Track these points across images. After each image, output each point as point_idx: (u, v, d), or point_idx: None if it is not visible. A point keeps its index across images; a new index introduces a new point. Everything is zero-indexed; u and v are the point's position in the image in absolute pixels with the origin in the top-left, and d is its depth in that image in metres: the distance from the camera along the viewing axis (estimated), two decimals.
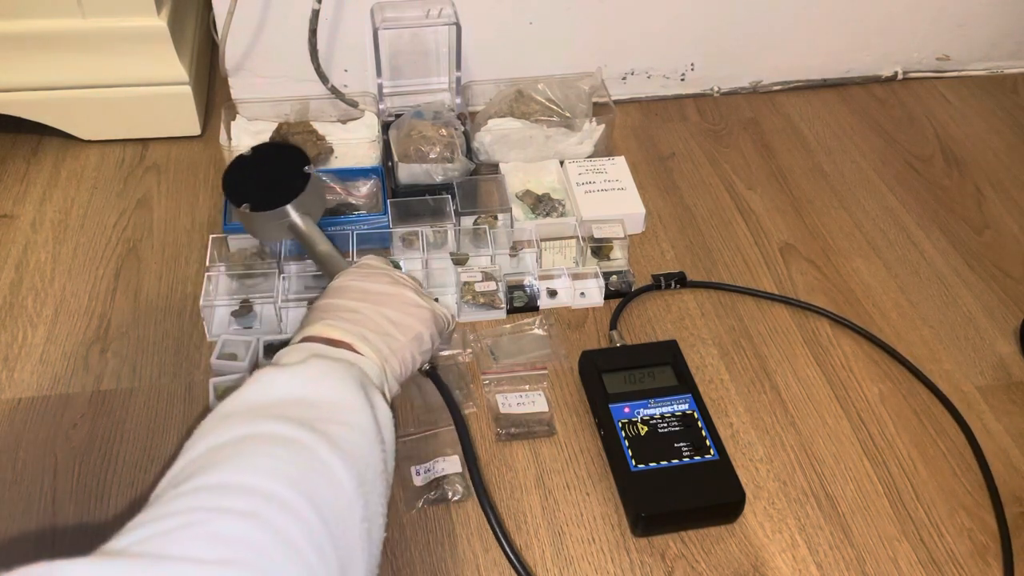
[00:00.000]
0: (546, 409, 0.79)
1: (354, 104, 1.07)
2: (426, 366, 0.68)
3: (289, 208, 0.77)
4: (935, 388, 0.83)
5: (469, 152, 1.00)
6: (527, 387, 0.81)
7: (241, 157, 0.82)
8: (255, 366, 0.81)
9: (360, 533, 0.47)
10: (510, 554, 0.65)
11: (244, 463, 0.46)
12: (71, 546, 0.68)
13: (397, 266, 0.89)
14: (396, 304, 0.65)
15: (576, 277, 0.91)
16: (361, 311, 0.63)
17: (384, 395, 0.59)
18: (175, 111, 1.07)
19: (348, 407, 0.53)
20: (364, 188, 0.99)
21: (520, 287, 0.89)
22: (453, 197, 0.94)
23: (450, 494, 0.72)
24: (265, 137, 1.02)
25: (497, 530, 0.65)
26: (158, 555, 0.38)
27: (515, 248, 0.93)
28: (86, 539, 0.69)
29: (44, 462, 0.74)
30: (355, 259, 0.87)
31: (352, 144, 1.04)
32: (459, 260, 0.91)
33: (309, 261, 0.91)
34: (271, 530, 0.41)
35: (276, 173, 0.79)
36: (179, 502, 0.42)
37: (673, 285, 0.92)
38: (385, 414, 0.56)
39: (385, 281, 0.66)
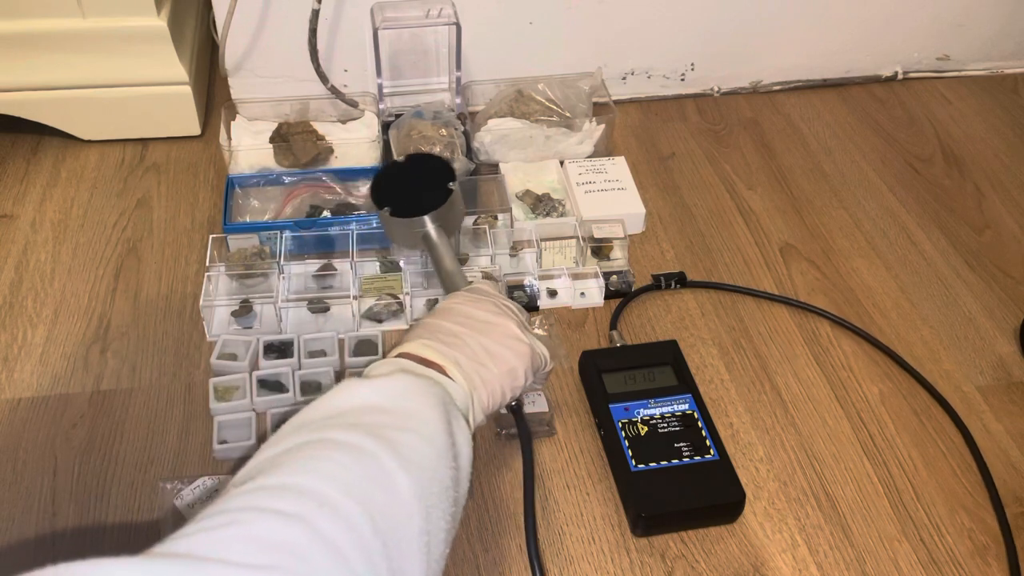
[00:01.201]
0: (546, 409, 0.79)
1: (354, 104, 1.07)
2: (513, 402, 0.67)
3: (426, 219, 0.78)
4: (933, 390, 0.83)
5: (469, 152, 1.00)
6: None
7: (394, 162, 0.84)
8: (255, 366, 0.81)
9: (418, 545, 0.46)
10: None
11: (303, 466, 0.46)
12: (71, 546, 0.68)
13: (398, 267, 0.90)
14: (497, 335, 0.64)
15: (576, 277, 0.91)
16: (460, 336, 0.62)
17: (467, 421, 0.58)
18: (175, 111, 1.07)
19: (422, 418, 0.52)
20: (364, 188, 0.99)
21: (520, 287, 0.89)
22: None
23: None
24: (265, 137, 1.02)
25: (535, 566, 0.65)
26: (199, 557, 0.38)
27: (515, 248, 0.93)
28: (86, 539, 0.69)
29: (44, 462, 0.74)
30: (354, 258, 0.88)
31: (352, 144, 1.04)
32: (459, 260, 0.91)
33: (309, 261, 0.91)
34: (317, 535, 0.41)
35: (422, 183, 0.81)
36: (234, 501, 0.43)
37: (673, 285, 0.92)
38: (464, 436, 0.56)
39: (491, 310, 0.65)
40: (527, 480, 0.67)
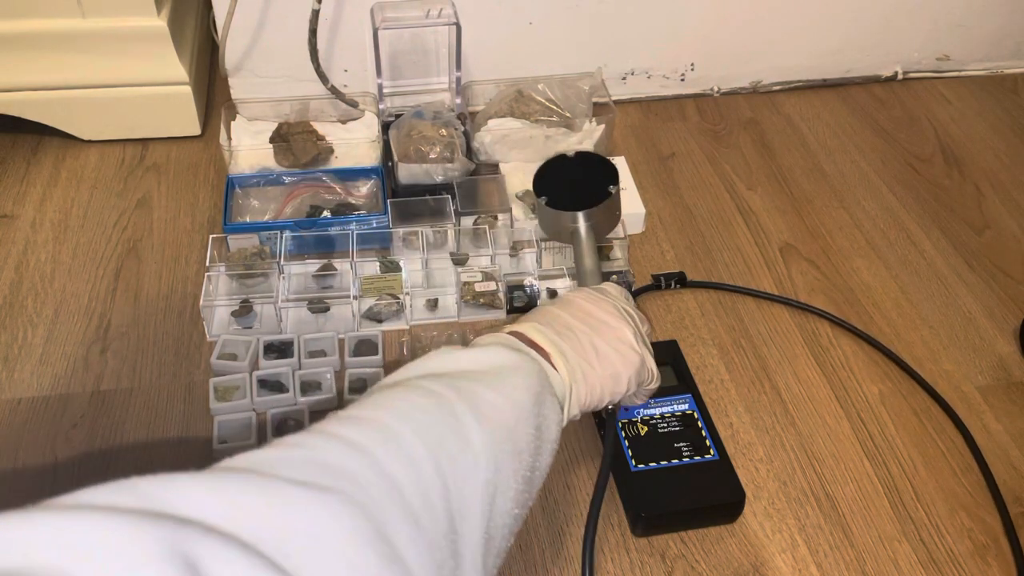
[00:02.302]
0: None
1: (354, 104, 1.07)
2: (610, 406, 0.67)
3: (580, 215, 0.81)
4: (933, 391, 0.83)
5: (469, 152, 1.00)
6: None
7: (562, 155, 0.86)
8: (255, 366, 0.81)
9: (482, 496, 0.47)
10: None
11: (378, 402, 0.48)
12: None
13: (398, 267, 0.90)
14: (610, 337, 0.63)
15: (576, 277, 0.91)
16: (573, 330, 0.63)
17: (562, 407, 0.59)
18: (175, 111, 1.07)
19: (510, 383, 0.53)
20: (364, 188, 0.99)
21: (520, 287, 0.89)
22: (453, 197, 0.94)
23: None
24: (265, 137, 1.02)
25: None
26: (261, 472, 0.40)
27: (515, 248, 0.93)
28: None
29: (44, 462, 0.74)
30: (354, 258, 0.88)
31: (352, 144, 1.04)
32: (459, 260, 0.91)
33: (309, 261, 0.91)
34: (377, 465, 0.42)
35: (585, 180, 0.84)
36: (308, 431, 0.45)
37: (673, 285, 0.92)
38: (554, 413, 0.56)
39: (610, 311, 0.65)
40: (599, 488, 0.66)
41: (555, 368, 0.59)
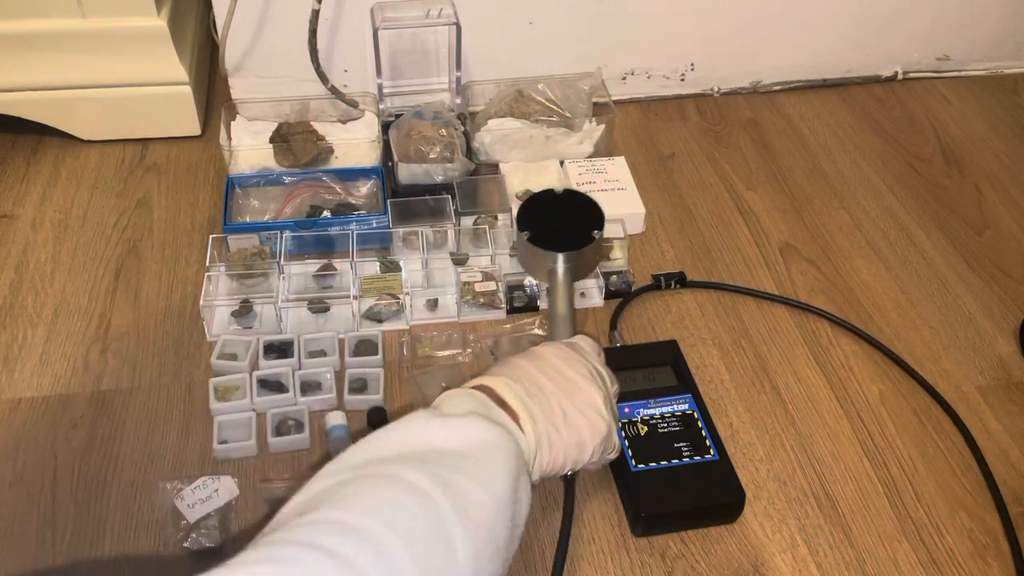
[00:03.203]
0: None
1: (354, 104, 1.07)
2: (570, 472, 0.65)
3: (559, 256, 0.80)
4: (933, 390, 0.83)
5: (469, 152, 1.00)
6: None
7: (551, 190, 0.86)
8: (255, 366, 0.81)
9: None
10: None
11: (368, 505, 0.46)
12: (71, 547, 0.68)
13: (398, 267, 0.89)
14: (580, 402, 0.62)
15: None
16: (544, 390, 0.61)
17: (528, 476, 0.58)
18: (175, 111, 1.07)
19: (492, 472, 0.52)
20: (364, 188, 0.99)
21: (520, 287, 0.89)
22: (453, 197, 0.94)
23: None
24: (265, 137, 1.02)
25: None
26: None
27: (515, 248, 0.93)
28: (86, 539, 0.69)
29: (44, 462, 0.74)
30: (354, 258, 0.88)
31: (352, 144, 1.04)
32: (459, 260, 0.91)
33: (309, 261, 0.91)
34: None
35: (570, 221, 0.83)
36: (296, 532, 0.44)
37: (673, 285, 0.92)
38: (527, 495, 0.55)
39: (582, 373, 0.63)
40: (559, 555, 0.66)
41: (522, 431, 0.58)
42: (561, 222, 0.83)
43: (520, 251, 0.84)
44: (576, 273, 0.82)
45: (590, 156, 1.06)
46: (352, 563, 0.42)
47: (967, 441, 0.79)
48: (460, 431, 0.54)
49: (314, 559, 0.42)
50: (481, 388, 0.60)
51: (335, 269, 0.90)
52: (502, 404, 0.59)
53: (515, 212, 0.95)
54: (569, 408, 0.61)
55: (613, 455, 0.66)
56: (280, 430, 0.76)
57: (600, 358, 0.68)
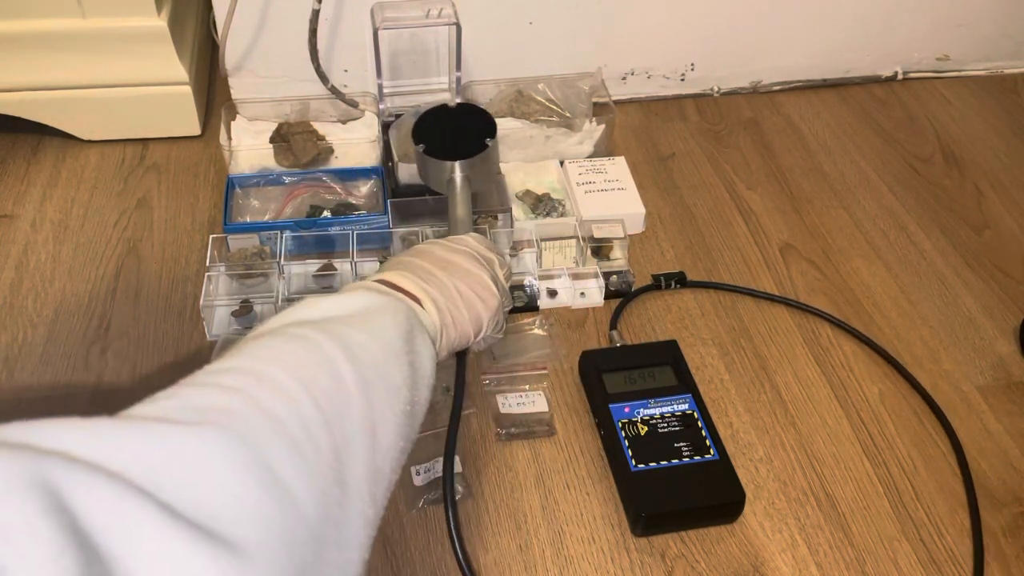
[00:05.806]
0: (546, 409, 0.79)
1: (354, 104, 1.07)
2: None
3: (456, 165, 0.81)
4: (926, 393, 0.83)
5: None
6: (527, 387, 0.81)
7: (444, 105, 0.87)
8: None
9: (361, 429, 0.47)
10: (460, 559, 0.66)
11: (248, 351, 0.48)
12: None
13: None
14: (471, 282, 0.65)
15: (576, 277, 0.91)
16: (436, 275, 0.63)
17: (434, 344, 0.59)
18: (175, 111, 1.07)
19: (377, 323, 0.54)
20: (364, 188, 0.99)
21: (520, 287, 0.89)
22: None
23: None
24: (265, 137, 1.02)
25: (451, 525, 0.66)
26: (137, 416, 0.40)
27: (515, 248, 0.93)
28: None
29: None
30: (354, 258, 0.88)
31: (352, 144, 1.04)
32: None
33: (309, 262, 0.91)
34: (254, 403, 0.42)
35: (464, 131, 0.84)
36: (180, 383, 0.44)
37: (673, 285, 0.92)
38: (426, 349, 0.57)
39: (469, 258, 0.67)
40: (452, 424, 0.68)
41: (425, 311, 0.60)
42: (455, 133, 0.84)
43: (418, 164, 0.85)
44: (475, 181, 0.83)
45: (590, 156, 1.06)
46: (233, 387, 0.43)
47: (953, 447, 0.79)
48: (349, 301, 0.55)
49: (195, 390, 0.43)
50: (378, 282, 0.62)
51: (335, 269, 0.90)
52: (400, 291, 0.61)
53: (515, 212, 0.96)
54: (462, 287, 0.64)
55: (501, 334, 0.70)
56: None
57: (488, 244, 0.71)
